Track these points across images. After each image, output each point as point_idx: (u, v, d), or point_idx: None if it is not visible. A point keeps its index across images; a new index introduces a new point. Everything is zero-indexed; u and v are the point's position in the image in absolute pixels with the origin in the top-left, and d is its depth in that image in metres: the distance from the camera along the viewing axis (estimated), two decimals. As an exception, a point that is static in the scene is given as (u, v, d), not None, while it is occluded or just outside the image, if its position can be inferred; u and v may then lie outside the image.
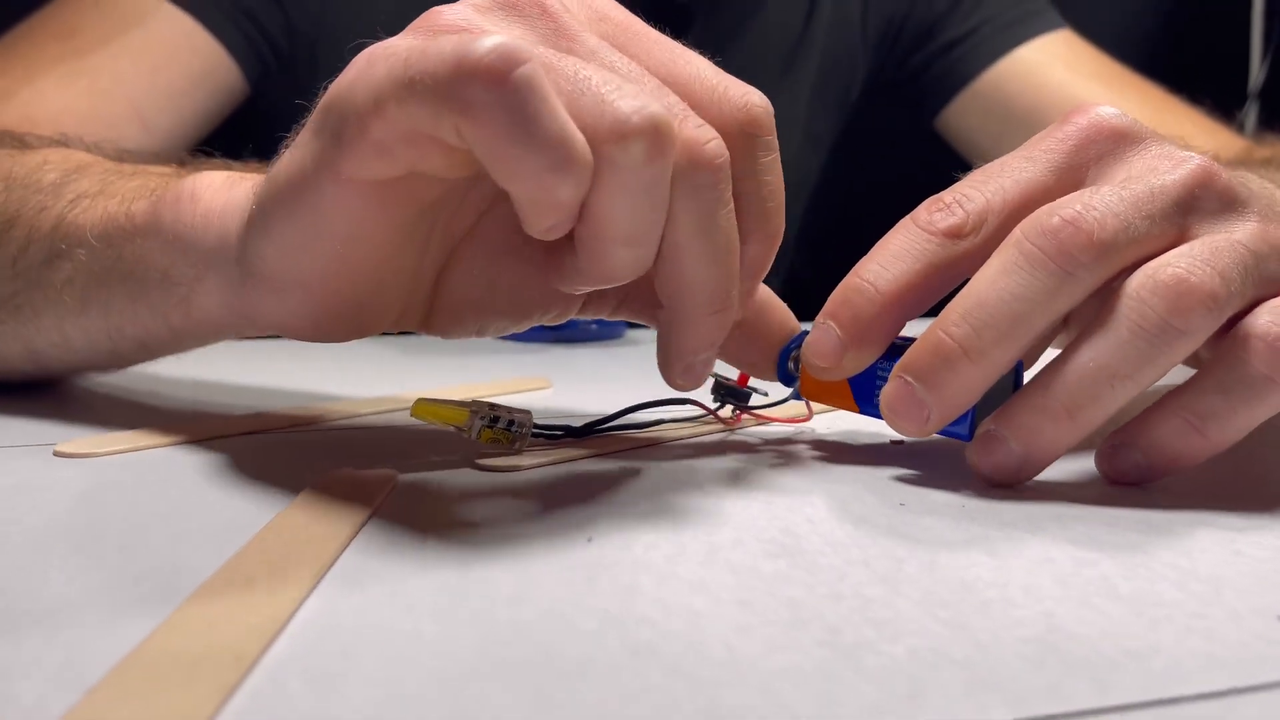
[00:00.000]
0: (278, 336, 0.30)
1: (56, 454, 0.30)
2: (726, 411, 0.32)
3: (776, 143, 0.26)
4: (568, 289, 0.25)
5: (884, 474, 0.29)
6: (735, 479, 0.28)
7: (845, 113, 0.77)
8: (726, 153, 0.24)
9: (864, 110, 0.77)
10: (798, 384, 0.31)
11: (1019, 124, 0.67)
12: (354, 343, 0.56)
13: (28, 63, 0.52)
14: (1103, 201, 0.25)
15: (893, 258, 0.27)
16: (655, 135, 0.22)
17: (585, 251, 0.24)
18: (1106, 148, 0.28)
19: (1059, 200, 0.26)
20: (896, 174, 0.81)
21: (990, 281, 0.25)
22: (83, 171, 0.36)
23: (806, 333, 0.30)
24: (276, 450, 0.31)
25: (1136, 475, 0.27)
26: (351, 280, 0.27)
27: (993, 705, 0.16)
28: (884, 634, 0.18)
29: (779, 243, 0.27)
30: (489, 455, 0.27)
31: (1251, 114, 1.17)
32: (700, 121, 0.24)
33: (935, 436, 0.28)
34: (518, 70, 0.20)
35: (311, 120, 0.25)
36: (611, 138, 0.22)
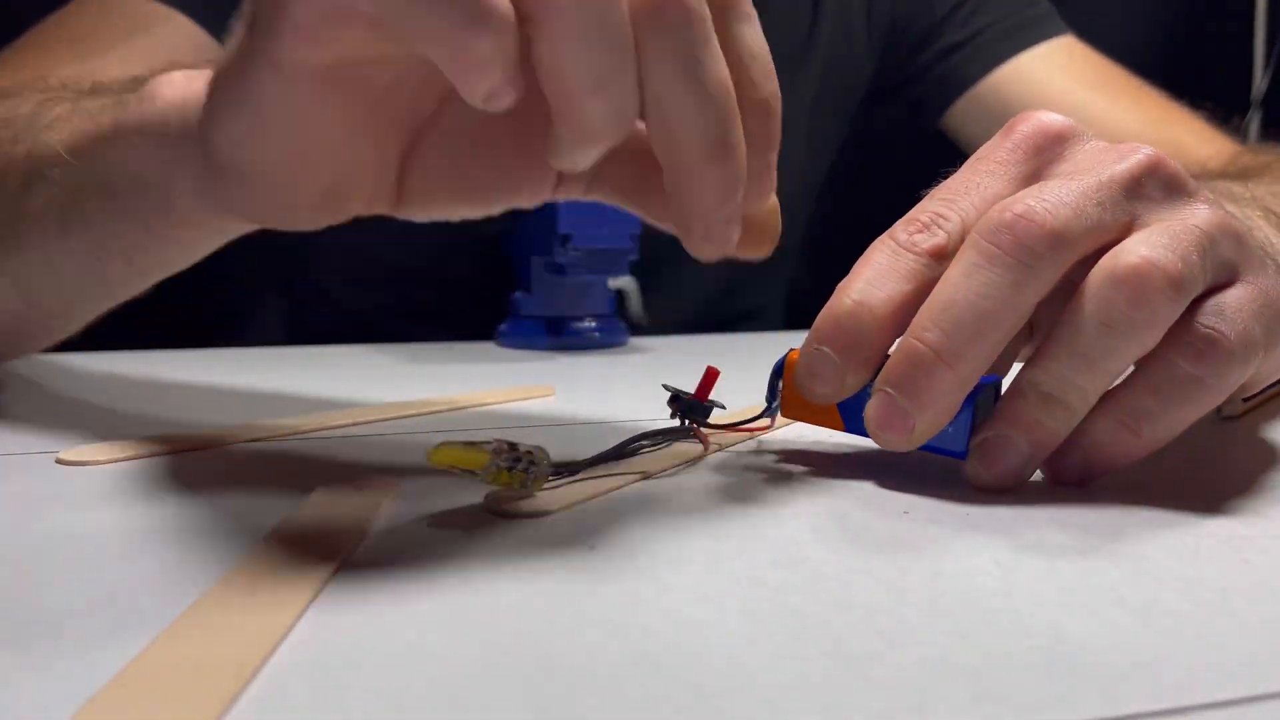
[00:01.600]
0: (269, 232, 0.29)
1: (59, 462, 0.30)
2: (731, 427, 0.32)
3: (753, 11, 0.25)
4: (558, 164, 0.24)
5: (887, 482, 0.28)
6: (737, 489, 0.28)
7: (848, 118, 0.77)
8: None
9: (867, 115, 0.77)
10: (776, 404, 0.30)
11: None
12: (357, 352, 0.56)
13: (38, 66, 0.53)
14: (1053, 193, 0.26)
15: (881, 277, 0.27)
16: None
17: (556, 113, 0.23)
18: (1055, 151, 0.28)
19: (1010, 198, 0.26)
20: (900, 179, 0.81)
21: (955, 285, 0.25)
22: (56, 100, 0.36)
23: (788, 354, 0.30)
24: (279, 458, 0.31)
25: (1077, 475, 0.27)
26: (311, 168, 0.27)
27: (1000, 716, 0.16)
28: (890, 644, 0.18)
29: (777, 111, 0.25)
30: (498, 496, 0.26)
31: (1254, 121, 1.18)
32: None
33: (928, 454, 0.28)
34: None
35: (244, 10, 0.25)
36: None
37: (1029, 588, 0.21)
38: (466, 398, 0.41)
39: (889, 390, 0.26)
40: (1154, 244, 0.25)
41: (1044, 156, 0.28)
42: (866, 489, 0.28)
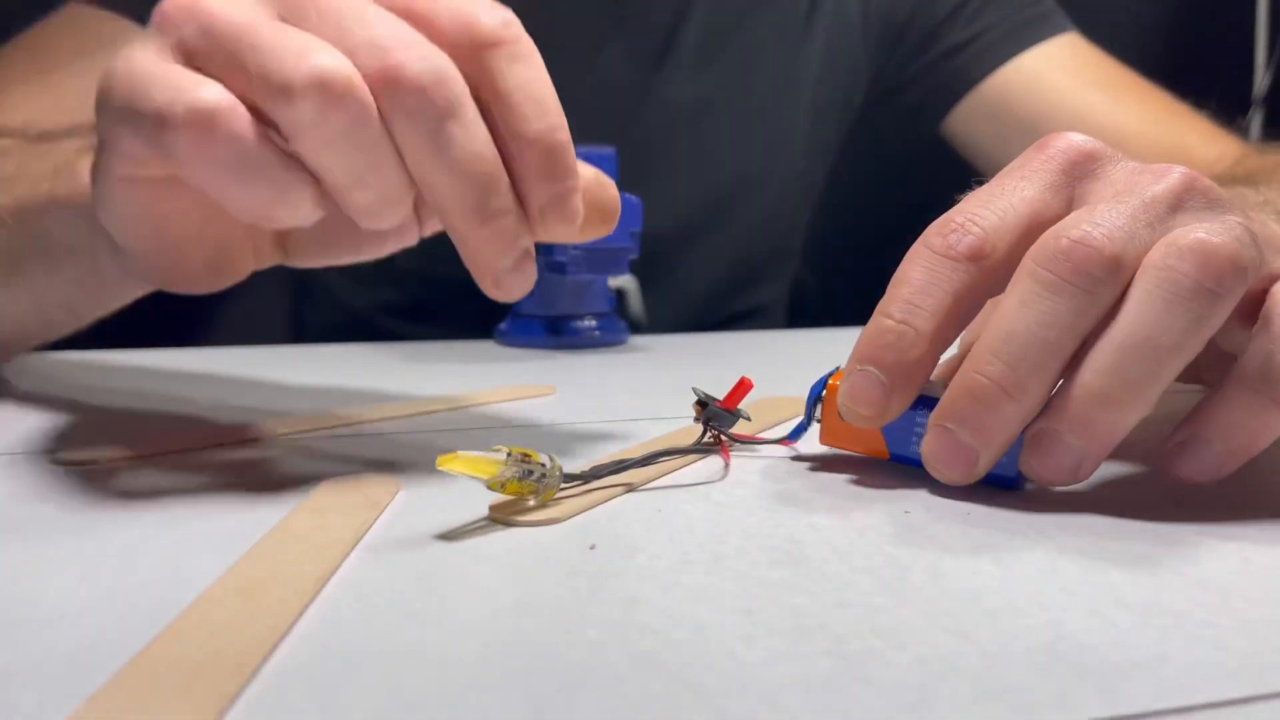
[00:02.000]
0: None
1: (58, 461, 0.30)
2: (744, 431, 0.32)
3: (523, 49, 0.26)
4: (366, 227, 0.27)
5: (888, 482, 0.28)
6: (738, 488, 0.28)
7: (849, 119, 0.77)
8: (432, 72, 0.24)
9: (868, 118, 0.77)
10: (807, 424, 0.30)
11: (1022, 132, 0.66)
12: (356, 351, 0.56)
13: (1, 79, 0.54)
14: (1104, 217, 0.25)
15: (921, 293, 0.26)
16: (323, 89, 0.24)
17: (339, 203, 0.26)
18: (1088, 168, 0.28)
19: (1061, 223, 0.26)
20: (902, 182, 0.81)
21: (1014, 315, 0.25)
22: (4, 153, 0.39)
23: (828, 379, 0.29)
24: (278, 458, 0.31)
25: (1214, 467, 0.26)
26: (184, 247, 0.30)
27: (1000, 715, 0.16)
28: (890, 643, 0.18)
29: (558, 143, 0.26)
30: (502, 505, 0.26)
31: (1256, 120, 1.17)
32: (402, 51, 0.24)
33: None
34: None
35: (96, 115, 0.27)
36: (280, 102, 0.24)
37: (1029, 587, 0.21)
38: (466, 396, 0.41)
39: (950, 426, 0.25)
40: (1209, 226, 0.25)
41: (1076, 173, 0.28)
42: (867, 489, 0.28)
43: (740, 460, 0.31)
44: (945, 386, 0.27)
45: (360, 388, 0.44)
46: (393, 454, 0.32)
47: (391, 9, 0.26)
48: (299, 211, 0.25)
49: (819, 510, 0.26)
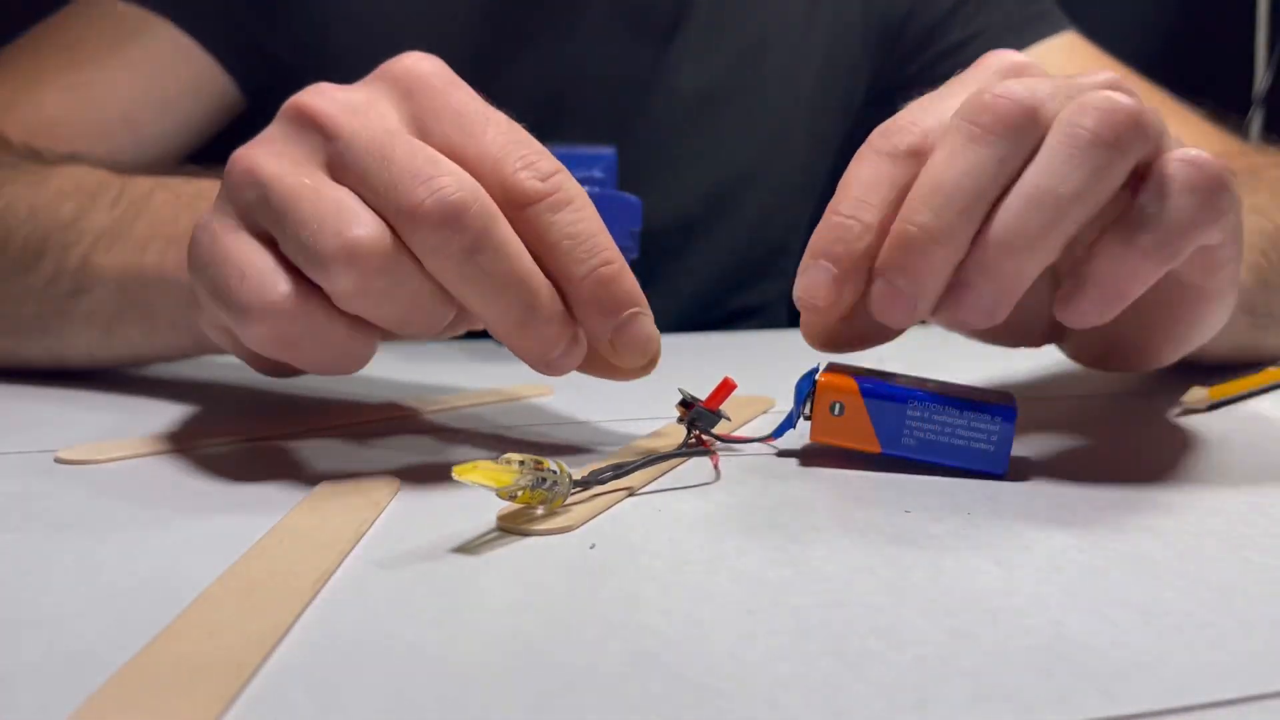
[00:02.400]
0: None
1: (58, 460, 0.30)
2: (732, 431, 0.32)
3: (562, 196, 0.27)
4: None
5: (888, 481, 0.28)
6: (738, 488, 0.28)
7: (849, 117, 0.76)
8: (459, 208, 0.25)
9: (869, 117, 0.76)
10: (794, 422, 0.30)
11: None
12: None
13: (30, 74, 0.55)
14: (1029, 80, 0.27)
15: (867, 189, 0.28)
16: (354, 258, 0.25)
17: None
18: (1021, 75, 0.29)
19: (985, 85, 0.28)
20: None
21: (941, 166, 0.26)
22: (94, 200, 0.39)
23: (816, 378, 0.29)
24: (279, 457, 0.31)
25: (1094, 312, 0.27)
26: (299, 363, 0.30)
27: (1000, 714, 0.16)
28: (890, 643, 0.18)
29: (610, 277, 0.28)
30: (511, 514, 0.26)
31: (1256, 120, 1.17)
32: (421, 186, 0.25)
33: (964, 473, 0.28)
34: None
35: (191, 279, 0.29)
36: (319, 274, 0.25)
37: (1030, 587, 0.21)
38: (466, 396, 0.41)
39: (888, 276, 0.27)
40: (1119, 90, 0.27)
41: (1010, 77, 0.29)
42: (867, 488, 0.28)
43: (740, 460, 0.31)
44: (922, 382, 0.28)
45: (359, 387, 0.44)
46: (392, 453, 0.32)
47: (442, 149, 0.27)
48: (442, 325, 0.28)
49: (819, 510, 0.26)
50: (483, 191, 0.26)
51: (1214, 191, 0.27)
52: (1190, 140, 0.28)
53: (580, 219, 0.27)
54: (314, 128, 0.27)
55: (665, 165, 0.67)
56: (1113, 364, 0.34)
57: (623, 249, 0.58)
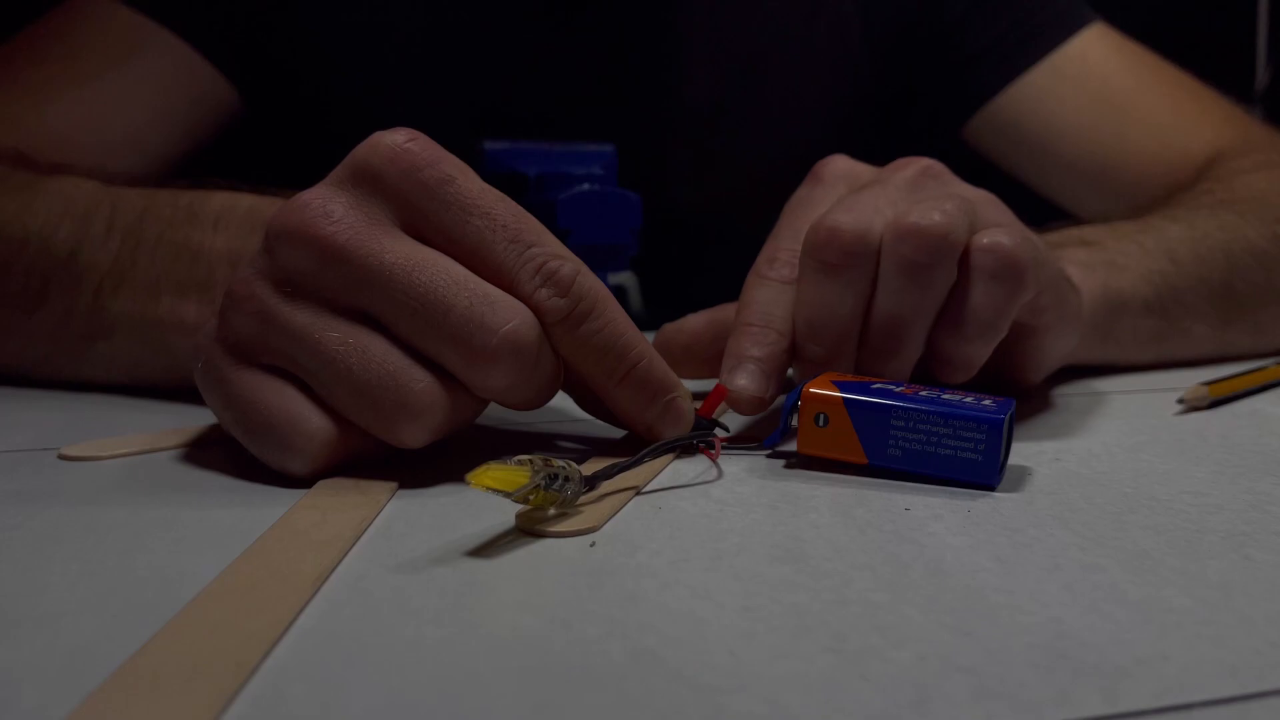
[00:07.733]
0: None
1: (61, 457, 0.30)
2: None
3: (584, 308, 0.28)
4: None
5: (888, 479, 0.28)
6: (738, 486, 0.28)
7: (849, 123, 0.76)
8: (528, 343, 0.26)
9: (886, 121, 0.76)
10: (781, 432, 0.30)
11: (1029, 148, 0.66)
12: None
13: (32, 85, 0.53)
14: (853, 203, 0.32)
15: (769, 305, 0.33)
16: (413, 412, 0.26)
17: None
18: (856, 181, 0.35)
19: (821, 214, 0.32)
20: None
21: (810, 304, 0.32)
22: (86, 225, 0.38)
23: (801, 390, 0.29)
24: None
25: (954, 378, 0.32)
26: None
27: (1001, 713, 0.16)
28: (890, 641, 0.18)
29: (640, 375, 0.29)
30: (526, 515, 0.26)
31: (1256, 116, 1.17)
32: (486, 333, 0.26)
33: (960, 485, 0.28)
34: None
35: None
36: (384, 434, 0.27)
37: (1030, 584, 0.21)
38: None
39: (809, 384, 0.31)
40: (926, 207, 0.31)
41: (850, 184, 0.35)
42: (867, 486, 0.28)
43: (739, 459, 0.31)
44: (918, 390, 0.29)
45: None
46: (392, 453, 0.32)
47: (457, 257, 0.27)
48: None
49: (819, 508, 0.26)
50: (532, 317, 0.27)
51: (1016, 273, 0.31)
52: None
53: (604, 325, 0.28)
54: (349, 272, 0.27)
55: (680, 170, 0.67)
56: (1002, 387, 0.37)
57: (623, 245, 0.58)
